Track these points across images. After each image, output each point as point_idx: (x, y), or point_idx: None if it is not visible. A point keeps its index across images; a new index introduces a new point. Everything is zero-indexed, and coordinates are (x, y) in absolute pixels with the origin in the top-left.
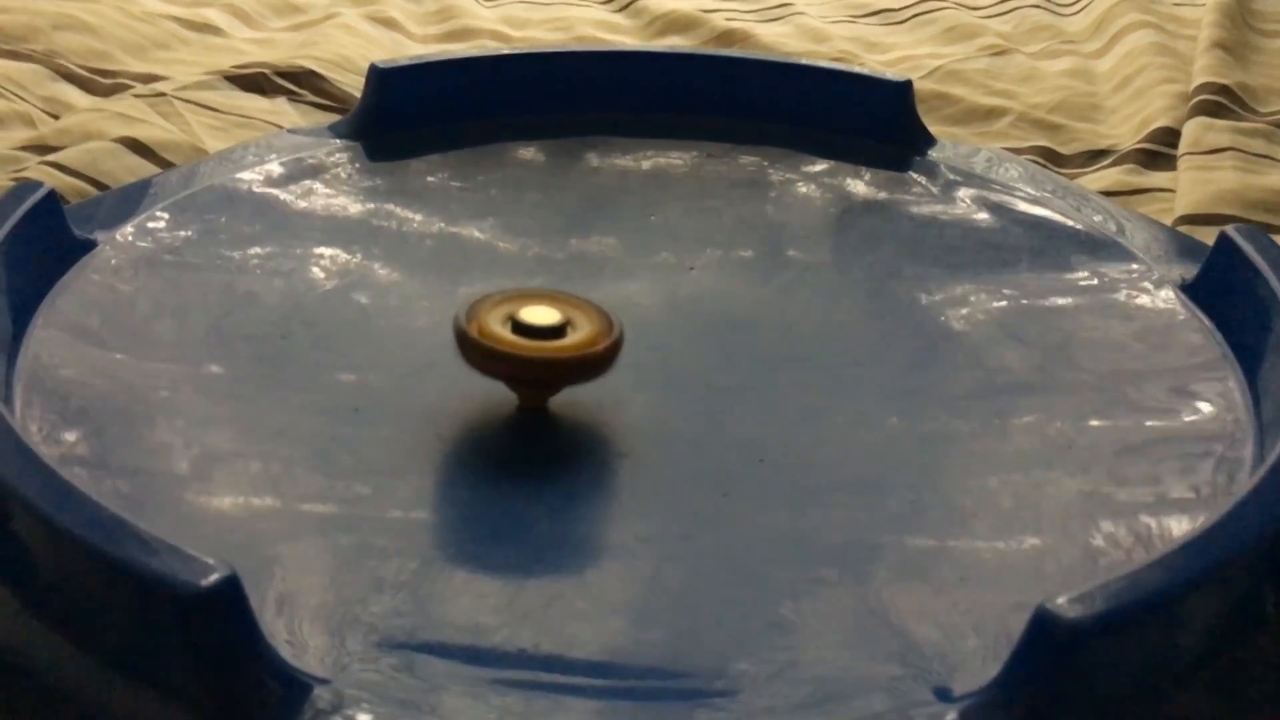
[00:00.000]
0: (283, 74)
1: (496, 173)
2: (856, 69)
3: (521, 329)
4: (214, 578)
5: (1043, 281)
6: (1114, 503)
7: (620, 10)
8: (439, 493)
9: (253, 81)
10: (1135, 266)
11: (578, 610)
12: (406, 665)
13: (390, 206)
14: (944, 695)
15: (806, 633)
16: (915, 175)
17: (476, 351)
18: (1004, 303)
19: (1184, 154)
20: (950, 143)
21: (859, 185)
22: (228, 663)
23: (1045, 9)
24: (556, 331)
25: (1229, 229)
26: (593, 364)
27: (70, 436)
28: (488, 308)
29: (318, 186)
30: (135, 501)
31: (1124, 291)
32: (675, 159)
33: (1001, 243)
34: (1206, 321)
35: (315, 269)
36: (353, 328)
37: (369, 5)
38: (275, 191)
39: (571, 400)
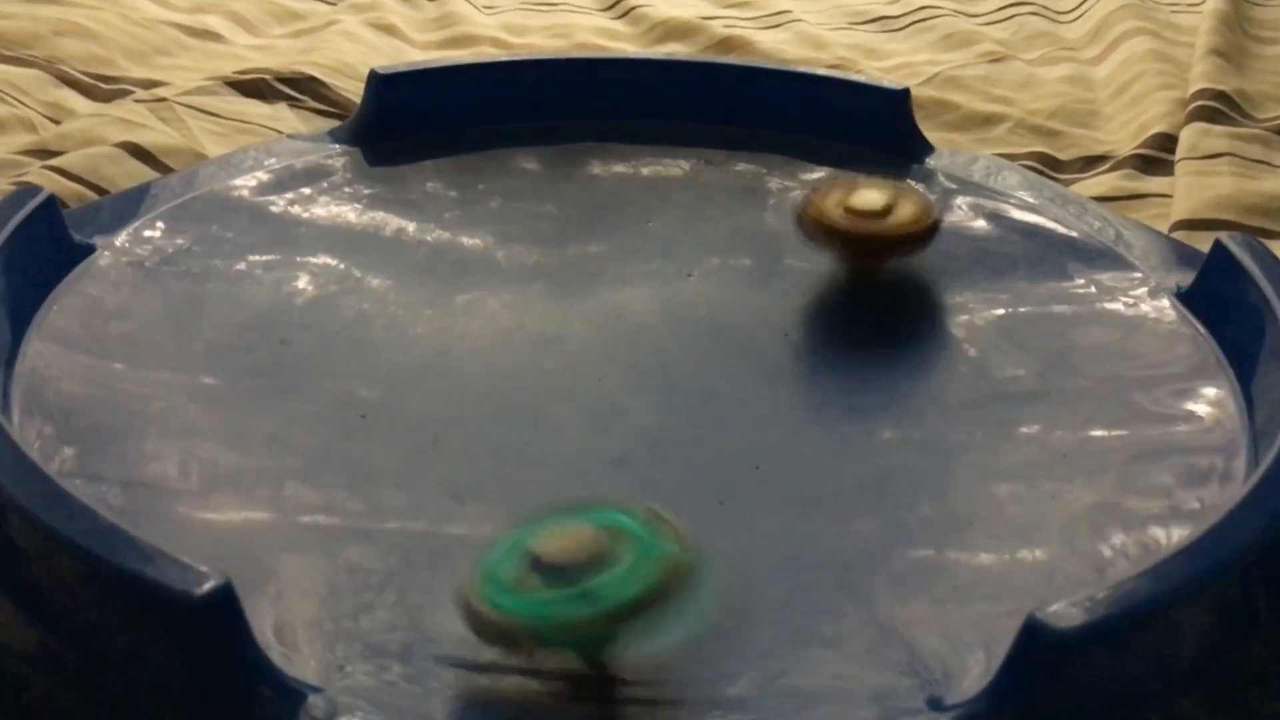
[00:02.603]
0: (283, 80)
1: (495, 179)
2: (854, 76)
3: (853, 211)
4: (208, 586)
5: (1040, 289)
6: (1109, 509)
7: (619, 18)
8: (435, 503)
9: (253, 87)
10: (1132, 274)
11: None
12: (401, 674)
13: (389, 213)
14: (937, 705)
15: (802, 641)
16: (913, 183)
17: (812, 227)
18: (1002, 310)
19: (1181, 159)
20: (948, 150)
21: None
22: (222, 671)
23: (1043, 16)
24: (883, 213)
25: (1224, 237)
26: (912, 239)
27: (67, 446)
28: (823, 194)
29: (317, 192)
30: (130, 512)
31: (1121, 299)
32: (673, 166)
33: (999, 250)
34: (1202, 329)
35: (314, 275)
36: (351, 334)
37: (369, 12)
38: (274, 196)
39: (570, 396)
